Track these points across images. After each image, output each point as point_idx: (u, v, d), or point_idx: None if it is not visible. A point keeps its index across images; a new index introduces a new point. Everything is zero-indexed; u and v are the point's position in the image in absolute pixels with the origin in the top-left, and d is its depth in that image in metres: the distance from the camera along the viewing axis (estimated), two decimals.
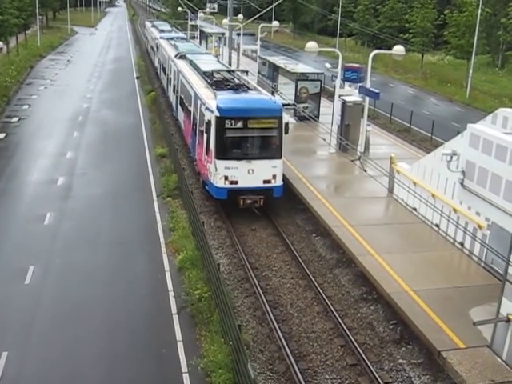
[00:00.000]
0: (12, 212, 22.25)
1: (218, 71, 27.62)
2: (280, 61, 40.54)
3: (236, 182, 20.95)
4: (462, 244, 17.60)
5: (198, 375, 13.17)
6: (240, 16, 56.26)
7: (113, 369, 13.49)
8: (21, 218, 21.66)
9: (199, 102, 23.78)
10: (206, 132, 21.58)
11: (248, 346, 13.92)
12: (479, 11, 51.14)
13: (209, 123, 21.14)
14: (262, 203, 21.23)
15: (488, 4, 60.97)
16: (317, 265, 18.75)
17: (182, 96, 30.47)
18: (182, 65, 32.90)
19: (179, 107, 32.25)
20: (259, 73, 46.61)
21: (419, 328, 13.62)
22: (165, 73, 42.96)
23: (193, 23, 73.69)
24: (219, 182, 21.01)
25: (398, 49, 25.90)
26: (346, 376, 13.43)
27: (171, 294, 16.58)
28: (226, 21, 46.41)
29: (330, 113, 30.37)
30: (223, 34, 55.51)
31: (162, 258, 18.81)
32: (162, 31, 59.19)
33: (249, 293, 16.92)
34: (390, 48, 30.06)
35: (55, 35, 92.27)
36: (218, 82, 25.02)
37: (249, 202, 21.02)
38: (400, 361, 13.97)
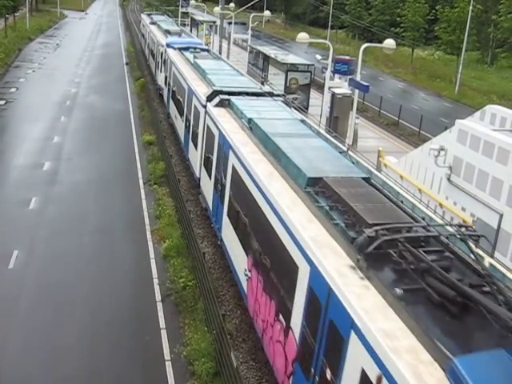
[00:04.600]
0: None
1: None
2: (270, 51, 40.48)
3: None
4: None
5: (181, 363, 13.18)
6: (232, 5, 56.06)
7: (95, 356, 13.43)
8: (6, 202, 21.49)
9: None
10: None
11: (231, 335, 13.94)
12: (470, 7, 51.40)
13: None
14: None
15: (479, 0, 61.19)
16: None
17: (249, 220, 13.79)
18: (231, 129, 16.37)
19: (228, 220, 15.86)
20: (249, 62, 46.55)
21: None
22: (186, 125, 23.65)
23: (184, 10, 73.31)
24: None
25: (389, 42, 25.91)
26: None
27: (156, 281, 16.55)
28: (217, 9, 46.22)
29: (319, 104, 30.43)
30: (214, 22, 55.32)
31: (148, 245, 18.76)
32: (167, 33, 43.39)
33: (233, 282, 16.91)
34: (380, 41, 30.04)
35: (44, 18, 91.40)
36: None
37: None
38: None
